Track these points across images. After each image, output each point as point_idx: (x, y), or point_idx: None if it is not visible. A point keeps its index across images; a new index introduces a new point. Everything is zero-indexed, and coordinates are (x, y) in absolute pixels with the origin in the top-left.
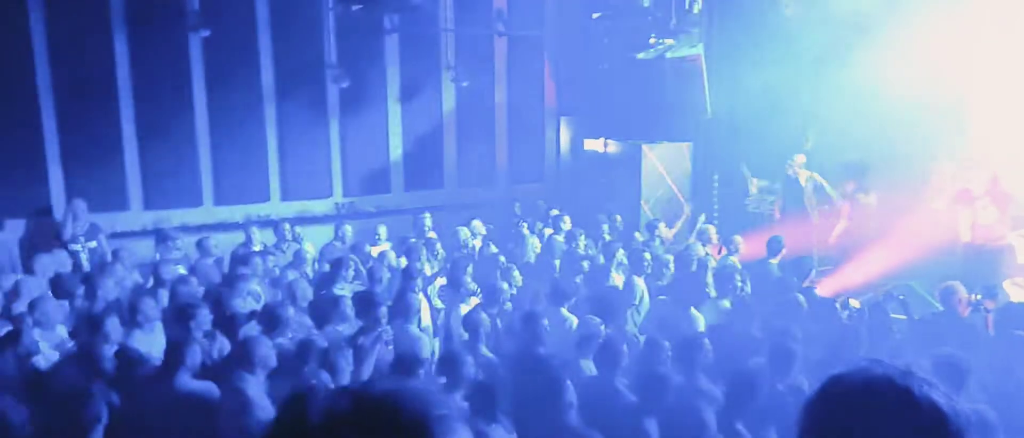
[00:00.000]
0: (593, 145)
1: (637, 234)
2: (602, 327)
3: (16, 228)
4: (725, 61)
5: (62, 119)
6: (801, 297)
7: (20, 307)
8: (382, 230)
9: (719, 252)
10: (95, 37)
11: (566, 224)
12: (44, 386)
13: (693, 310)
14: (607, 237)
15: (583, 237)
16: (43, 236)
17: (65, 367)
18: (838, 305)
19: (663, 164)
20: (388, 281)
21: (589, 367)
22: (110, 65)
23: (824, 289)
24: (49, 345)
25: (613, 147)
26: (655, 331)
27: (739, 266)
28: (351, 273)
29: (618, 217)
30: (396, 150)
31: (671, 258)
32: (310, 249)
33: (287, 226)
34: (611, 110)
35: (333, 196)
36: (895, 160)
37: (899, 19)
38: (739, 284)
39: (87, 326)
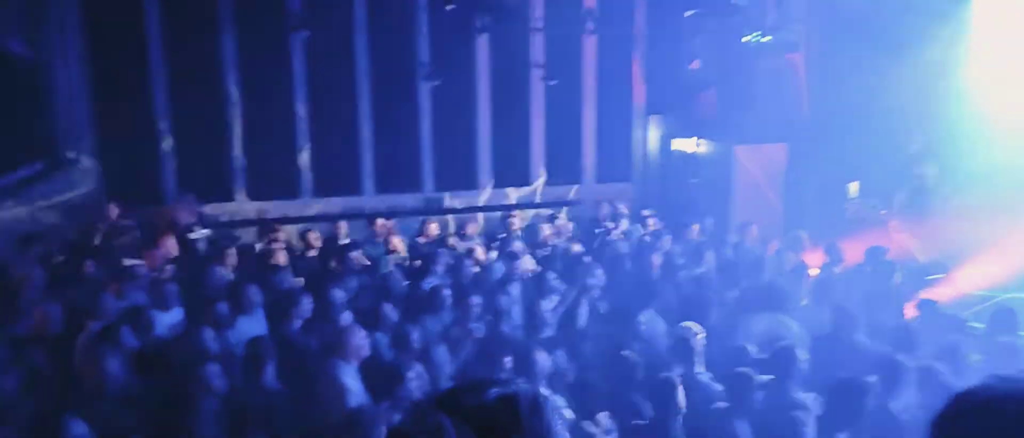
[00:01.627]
0: (683, 145)
1: (728, 237)
2: (693, 329)
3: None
4: (825, 59)
5: (174, 114)
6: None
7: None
8: (472, 227)
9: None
10: (205, 37)
11: (653, 224)
12: (160, 363)
13: (785, 318)
14: (695, 239)
15: (669, 239)
16: (157, 224)
17: (178, 346)
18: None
19: (756, 166)
20: (476, 277)
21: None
22: (219, 64)
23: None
24: (165, 325)
25: (704, 147)
26: (747, 338)
27: (839, 273)
28: (442, 268)
29: (709, 219)
30: (484, 147)
31: (763, 263)
32: (399, 245)
33: (379, 220)
34: (702, 109)
35: (423, 191)
36: (1008, 165)
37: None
38: (838, 292)
39: (198, 310)
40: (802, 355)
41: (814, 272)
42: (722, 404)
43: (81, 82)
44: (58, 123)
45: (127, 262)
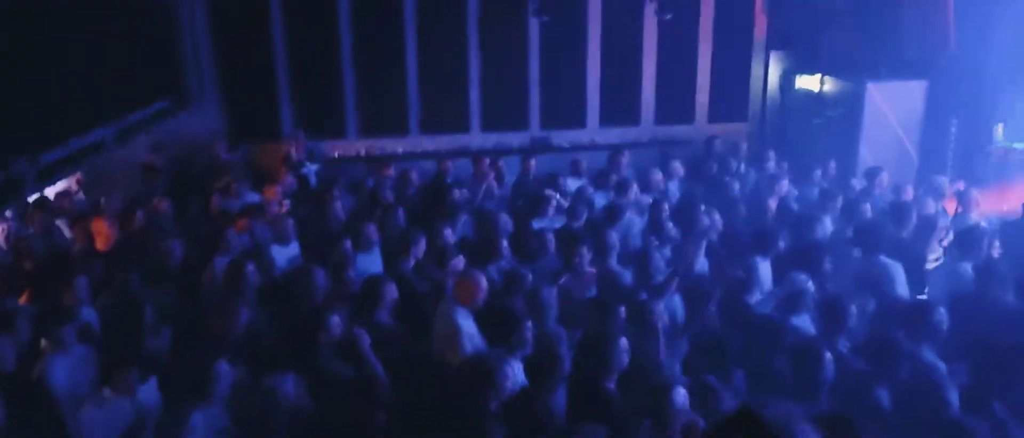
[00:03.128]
0: (807, 83)
1: (854, 182)
2: (809, 283)
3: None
4: None
5: (290, 53)
6: None
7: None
8: (579, 164)
9: (954, 208)
10: None
11: (771, 167)
12: (283, 299)
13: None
14: (819, 185)
15: (786, 183)
16: (272, 160)
17: (299, 279)
18: None
19: (890, 106)
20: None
21: (802, 325)
22: (333, 2)
23: None
24: (284, 260)
25: (830, 85)
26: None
27: (984, 225)
28: (551, 208)
29: (832, 163)
30: (593, 85)
31: (897, 211)
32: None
33: (484, 158)
34: (831, 43)
35: (529, 129)
36: None
37: None
38: (986, 246)
39: (318, 246)
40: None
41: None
42: (862, 368)
43: (204, 22)
44: (184, 62)
45: (248, 197)
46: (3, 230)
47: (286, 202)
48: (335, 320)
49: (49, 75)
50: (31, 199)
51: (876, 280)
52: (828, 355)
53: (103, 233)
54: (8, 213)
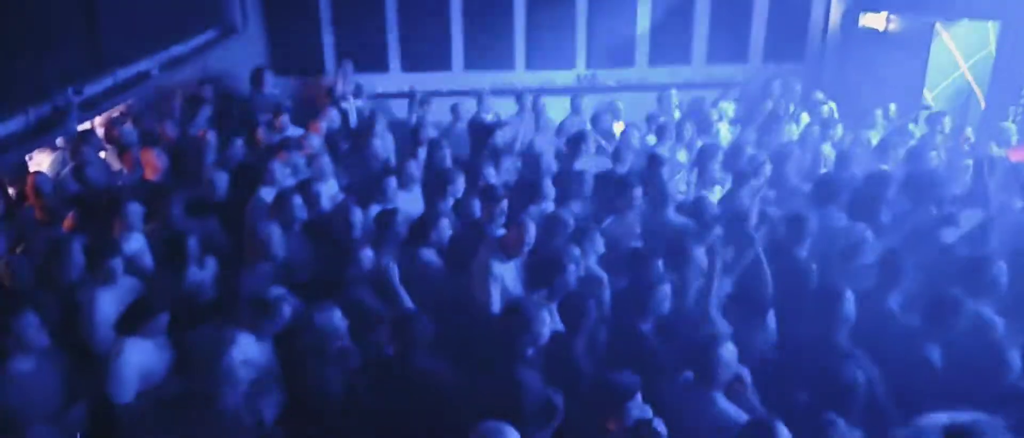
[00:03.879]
0: (871, 21)
1: (912, 126)
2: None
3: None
4: None
5: None
6: None
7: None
8: (620, 105)
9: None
10: None
11: (827, 110)
12: (326, 234)
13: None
14: (878, 131)
15: (840, 128)
16: (314, 93)
17: (338, 215)
18: None
19: (958, 46)
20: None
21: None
22: None
23: None
24: (326, 196)
25: (895, 24)
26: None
27: None
28: (593, 147)
29: (892, 106)
30: (643, 21)
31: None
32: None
33: (529, 96)
34: None
35: (575, 68)
36: None
37: None
38: None
39: (359, 184)
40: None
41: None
42: (913, 324)
43: None
44: None
45: (291, 131)
46: (51, 160)
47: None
48: (367, 253)
49: (95, 4)
50: (79, 129)
51: (928, 232)
52: (848, 294)
53: (151, 163)
54: (57, 142)
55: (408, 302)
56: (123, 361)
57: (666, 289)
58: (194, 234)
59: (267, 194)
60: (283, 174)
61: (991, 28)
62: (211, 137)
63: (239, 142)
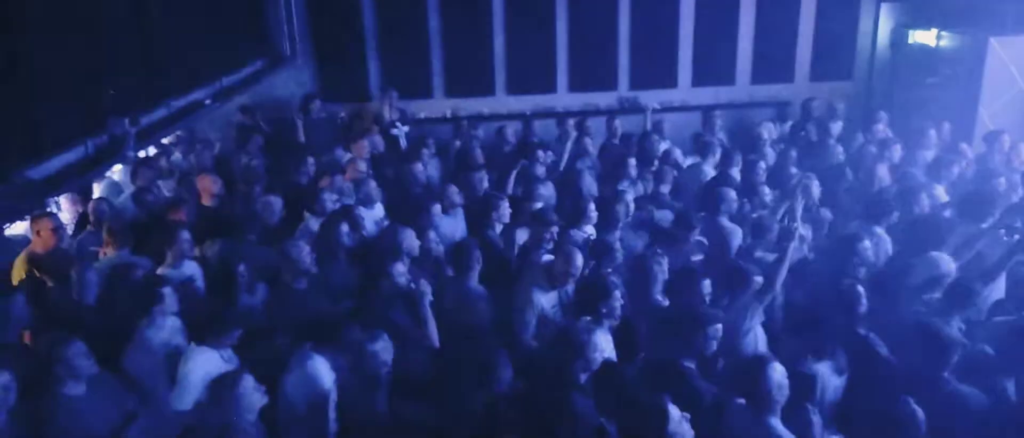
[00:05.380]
0: (922, 37)
1: (964, 146)
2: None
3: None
4: None
5: (379, 14)
6: None
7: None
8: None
9: None
10: None
11: (881, 130)
12: (372, 260)
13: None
14: (932, 150)
15: (899, 148)
16: (362, 119)
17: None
18: None
19: (1016, 63)
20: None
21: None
22: None
23: None
24: (371, 221)
25: (947, 40)
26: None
27: None
28: (634, 171)
29: (946, 125)
30: (685, 42)
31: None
32: None
33: (569, 119)
34: None
35: (617, 89)
36: None
37: None
38: None
39: (400, 206)
40: None
41: None
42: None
43: None
44: (277, 24)
45: (338, 155)
46: (102, 186)
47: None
48: (399, 268)
49: (150, 37)
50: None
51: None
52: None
53: (207, 190)
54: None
55: (433, 328)
56: (190, 367)
57: (717, 328)
58: (245, 261)
59: (314, 223)
60: (331, 201)
61: None
62: (258, 164)
63: (289, 169)
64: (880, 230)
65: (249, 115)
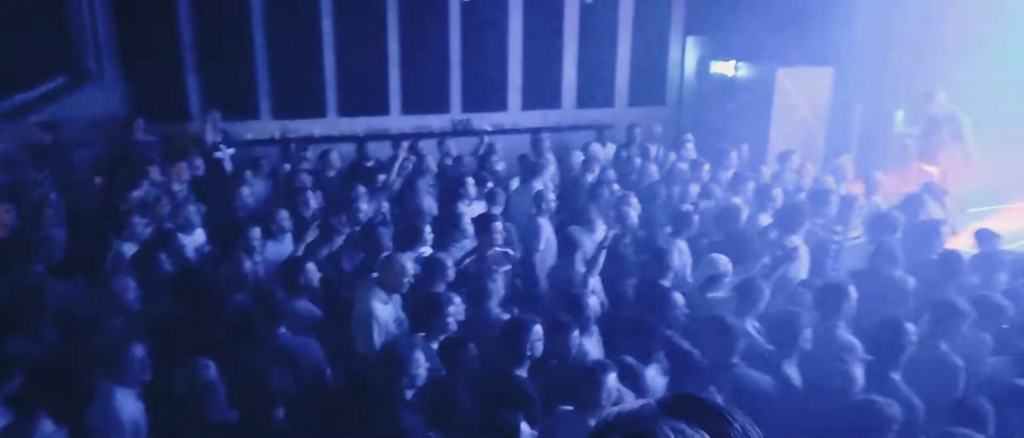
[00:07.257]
0: (722, 68)
1: (763, 168)
2: (729, 265)
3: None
4: None
5: (198, 30)
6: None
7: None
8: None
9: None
10: None
11: (690, 151)
12: (196, 289)
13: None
14: (732, 168)
15: (708, 167)
16: (181, 141)
17: (208, 268)
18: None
19: (798, 91)
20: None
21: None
22: None
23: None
24: (191, 248)
25: (743, 71)
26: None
27: (882, 206)
28: (474, 191)
29: (744, 146)
30: (515, 67)
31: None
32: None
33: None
34: (745, 29)
35: (450, 112)
36: None
37: None
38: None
39: (230, 233)
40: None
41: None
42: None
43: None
44: (80, 36)
45: (157, 179)
46: None
47: (183, 187)
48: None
49: None
50: None
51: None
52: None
53: None
54: None
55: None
56: None
57: (539, 330)
58: (48, 294)
59: (127, 249)
60: (142, 227)
61: (826, 74)
62: (53, 196)
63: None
64: (682, 243)
65: (52, 132)
